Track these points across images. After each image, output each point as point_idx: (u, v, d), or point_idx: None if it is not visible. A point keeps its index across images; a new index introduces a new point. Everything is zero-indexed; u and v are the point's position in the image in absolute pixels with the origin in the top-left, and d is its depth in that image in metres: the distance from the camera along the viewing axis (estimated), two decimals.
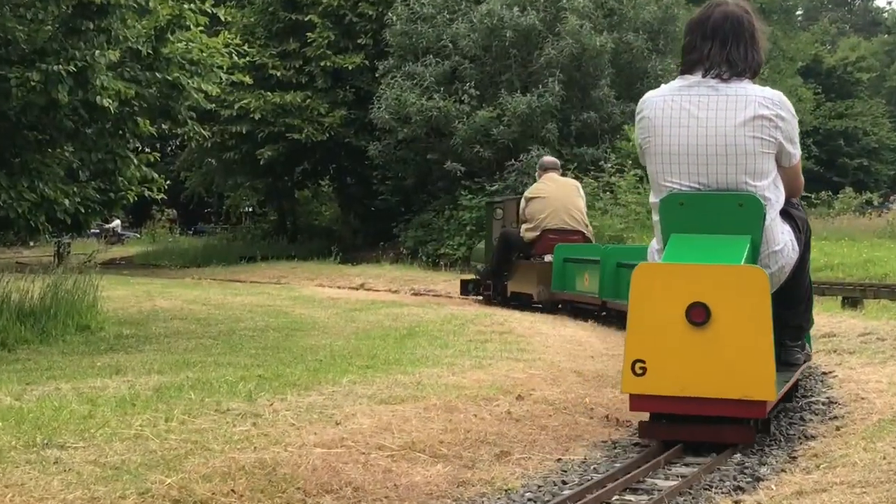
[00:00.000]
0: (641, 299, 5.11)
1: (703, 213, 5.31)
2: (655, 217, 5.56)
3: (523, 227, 13.50)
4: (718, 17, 5.44)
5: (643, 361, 5.04)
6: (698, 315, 4.99)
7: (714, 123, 5.30)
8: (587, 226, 13.56)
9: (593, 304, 11.86)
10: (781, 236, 5.53)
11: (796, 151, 5.52)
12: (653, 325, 5.06)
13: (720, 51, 5.37)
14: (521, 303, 13.64)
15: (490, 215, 15.87)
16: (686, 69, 5.50)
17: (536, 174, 14.01)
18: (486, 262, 15.18)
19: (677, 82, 5.51)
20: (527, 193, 13.66)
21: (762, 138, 5.30)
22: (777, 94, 5.41)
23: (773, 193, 5.44)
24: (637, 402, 5.17)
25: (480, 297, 15.09)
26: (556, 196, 13.30)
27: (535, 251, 13.34)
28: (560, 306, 12.68)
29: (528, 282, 13.40)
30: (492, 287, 14.60)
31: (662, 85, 5.62)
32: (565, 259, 12.58)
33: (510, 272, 14.10)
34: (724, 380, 4.97)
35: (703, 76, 5.39)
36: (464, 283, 16.22)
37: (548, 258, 12.94)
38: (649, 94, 5.60)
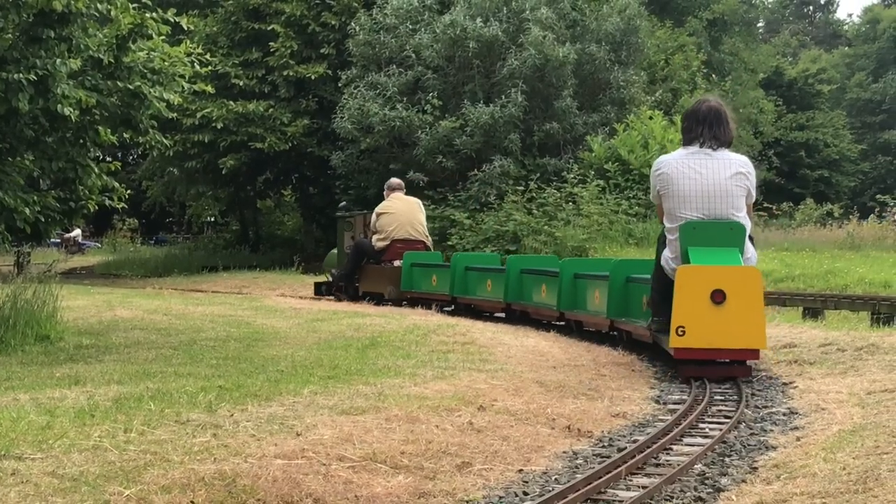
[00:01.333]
0: (682, 287, 7.80)
1: (708, 234, 8.04)
2: (671, 236, 8.19)
3: (374, 237, 15.85)
4: (705, 110, 8.27)
5: (683, 327, 7.75)
6: (718, 297, 7.73)
7: (712, 177, 8.07)
8: (427, 237, 16.00)
9: (442, 299, 14.39)
10: (751, 249, 8.25)
11: (755, 194, 8.37)
12: (689, 303, 7.77)
13: (709, 131, 8.17)
14: (372, 299, 15.80)
15: (341, 227, 18.20)
16: (686, 143, 8.30)
17: (385, 193, 16.26)
18: (338, 266, 17.54)
19: (683, 151, 8.29)
20: (377, 209, 15.95)
21: (740, 186, 8.13)
22: (745, 158, 8.35)
23: (746, 222, 8.17)
24: (678, 352, 7.87)
25: (332, 297, 17.39)
26: (403, 212, 15.81)
27: (385, 257, 15.72)
28: (405, 302, 15.01)
29: (380, 283, 15.80)
30: (344, 288, 16.88)
31: (672, 152, 8.48)
32: (413, 264, 15.12)
33: (361, 275, 16.45)
34: (734, 337, 7.75)
35: (700, 147, 8.17)
36: (317, 286, 18.83)
37: (396, 263, 15.35)
38: (664, 158, 8.38)
